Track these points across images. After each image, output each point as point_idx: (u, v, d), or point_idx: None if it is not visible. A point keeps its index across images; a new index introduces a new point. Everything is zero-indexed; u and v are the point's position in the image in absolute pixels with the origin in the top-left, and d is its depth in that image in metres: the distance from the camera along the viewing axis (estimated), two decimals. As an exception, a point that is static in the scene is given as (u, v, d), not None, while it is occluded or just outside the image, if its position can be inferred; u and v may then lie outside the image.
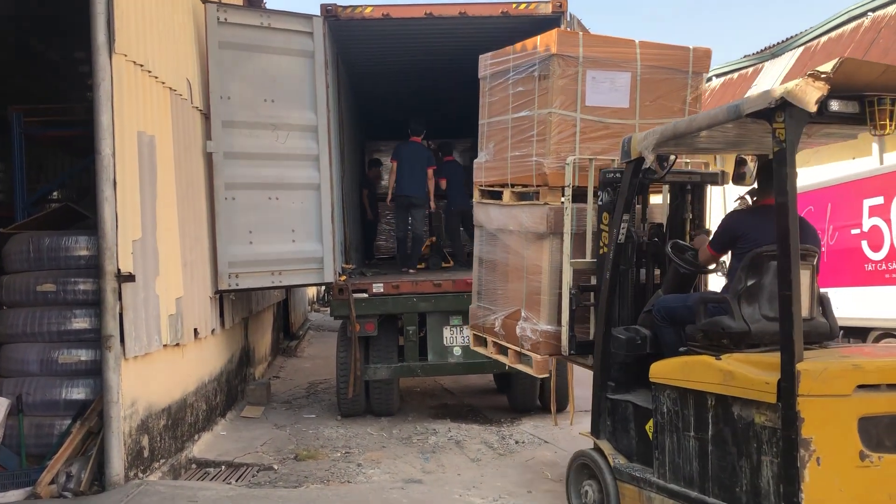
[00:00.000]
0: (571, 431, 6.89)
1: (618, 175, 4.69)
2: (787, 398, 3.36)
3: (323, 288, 16.42)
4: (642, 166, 4.47)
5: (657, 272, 5.12)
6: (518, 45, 5.54)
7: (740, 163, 4.19)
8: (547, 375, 5.44)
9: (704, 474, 3.83)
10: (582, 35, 5.26)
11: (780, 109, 3.37)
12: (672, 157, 4.59)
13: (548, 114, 5.14)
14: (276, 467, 6.23)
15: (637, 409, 4.44)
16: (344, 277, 7.78)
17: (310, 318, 17.06)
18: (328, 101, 7.68)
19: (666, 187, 5.28)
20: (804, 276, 3.80)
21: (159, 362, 5.90)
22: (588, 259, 5.05)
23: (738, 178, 4.23)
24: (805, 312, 3.83)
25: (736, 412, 3.64)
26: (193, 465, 6.30)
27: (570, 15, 8.03)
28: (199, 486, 5.63)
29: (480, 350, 6.16)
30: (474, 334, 6.18)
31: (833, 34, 14.46)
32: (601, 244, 4.79)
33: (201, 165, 7.13)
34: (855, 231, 8.70)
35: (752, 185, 4.31)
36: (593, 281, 5.03)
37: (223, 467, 6.28)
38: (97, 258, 5.21)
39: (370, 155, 13.89)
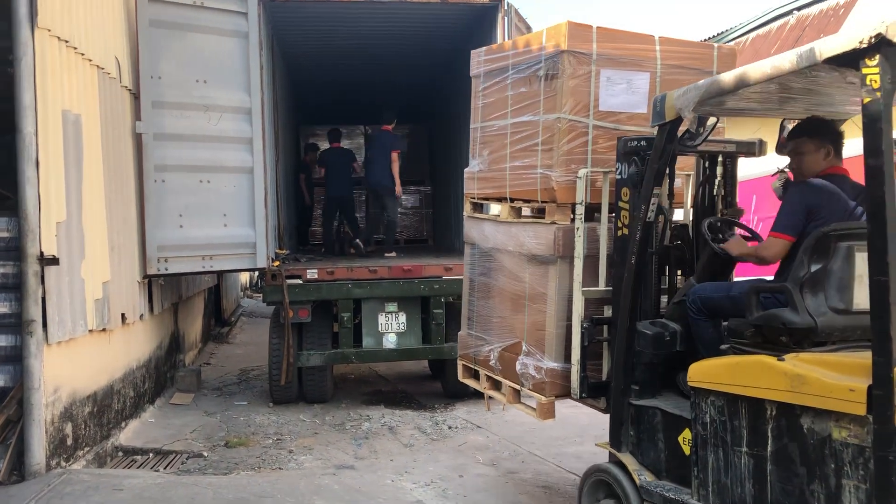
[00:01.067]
0: (504, 416, 6.98)
1: (642, 143, 4.00)
2: (881, 410, 2.68)
3: (256, 274, 16.20)
4: (678, 129, 3.77)
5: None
6: (520, 40, 4.92)
7: (785, 129, 3.72)
8: (552, 419, 4.64)
9: (761, 498, 3.16)
10: (596, 29, 4.52)
11: (874, 51, 2.69)
12: (712, 120, 3.81)
13: (556, 119, 4.47)
14: (205, 454, 6.14)
15: (668, 416, 3.78)
16: (277, 263, 7.69)
17: (242, 305, 16.82)
18: (262, 83, 7.55)
19: (691, 160, 4.66)
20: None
21: (84, 348, 5.74)
22: (602, 287, 4.36)
23: (783, 147, 3.76)
24: (857, 302, 3.33)
25: (806, 424, 2.97)
26: (120, 453, 6.17)
27: (508, 4, 8.07)
28: (125, 473, 5.51)
29: (470, 383, 5.46)
30: (464, 365, 5.45)
31: (760, 31, 14.87)
32: (619, 225, 4.10)
33: (130, 146, 6.94)
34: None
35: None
36: (606, 312, 4.34)
37: (151, 455, 6.16)
38: (18, 240, 5.03)
39: (306, 139, 13.75)
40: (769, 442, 3.12)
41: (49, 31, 5.11)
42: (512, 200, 4.96)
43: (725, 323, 3.81)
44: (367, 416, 7.37)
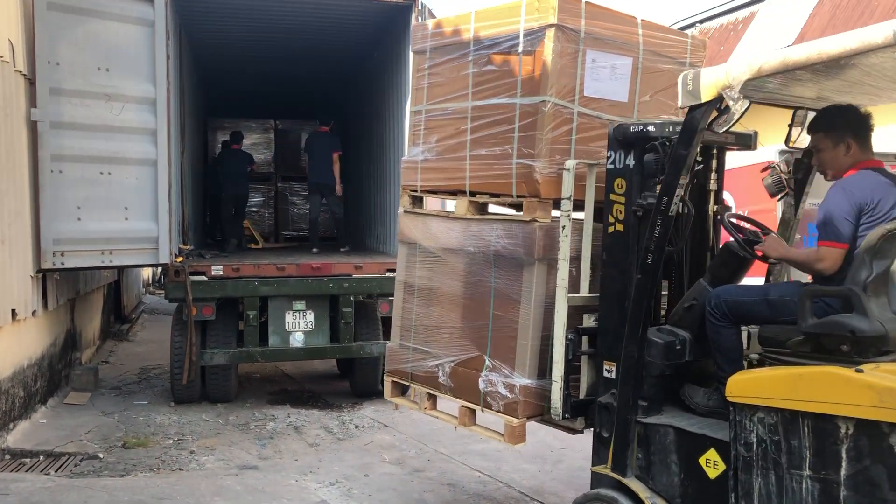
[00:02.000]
0: (412, 415, 7.00)
1: (649, 129, 3.54)
2: None
3: (159, 269, 15.73)
4: (720, 112, 3.23)
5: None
6: (484, 12, 4.29)
7: (797, 119, 3.52)
8: (523, 444, 4.10)
9: None
10: (584, 3, 4.04)
11: None
12: (743, 104, 3.16)
13: (541, 102, 3.94)
14: (101, 456, 5.93)
15: (685, 436, 3.35)
16: (181, 259, 7.49)
17: (144, 301, 16.28)
18: (168, 73, 7.33)
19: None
20: None
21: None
22: (586, 293, 3.94)
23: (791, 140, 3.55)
24: None
25: None
26: (7, 456, 5.88)
27: (423, 4, 8.09)
28: (12, 477, 5.26)
29: (400, 402, 4.86)
30: (393, 381, 4.78)
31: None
32: (611, 220, 3.68)
33: (24, 135, 6.62)
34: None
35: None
36: (587, 322, 3.88)
37: (41, 457, 5.90)
38: None
39: (214, 132, 13.47)
40: (844, 464, 2.77)
41: (-64, 9, 4.84)
42: (473, 194, 4.34)
43: (748, 329, 3.55)
44: (273, 416, 7.26)
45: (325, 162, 10.04)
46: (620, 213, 3.64)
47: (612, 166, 3.69)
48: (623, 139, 3.63)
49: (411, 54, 4.82)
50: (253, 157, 11.80)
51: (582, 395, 3.85)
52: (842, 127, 3.33)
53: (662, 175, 3.42)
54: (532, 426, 4.12)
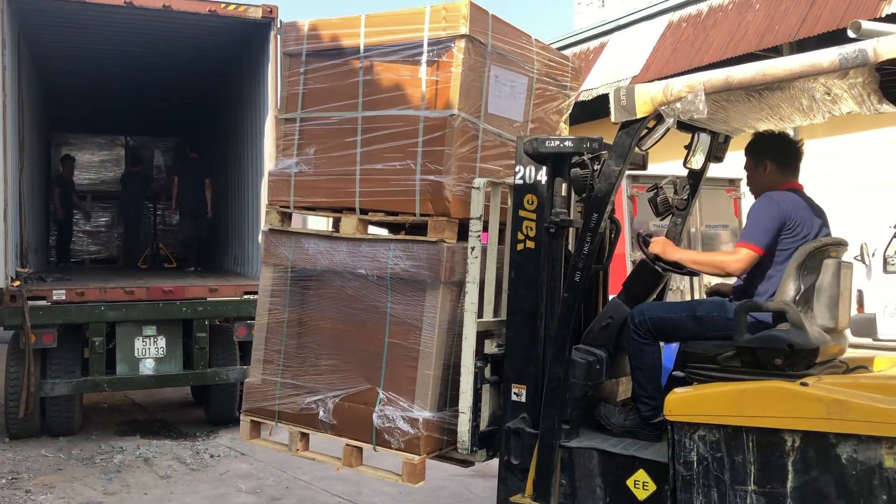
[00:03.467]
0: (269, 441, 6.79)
1: (566, 144, 3.46)
2: None
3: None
4: (654, 128, 3.32)
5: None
6: (375, 16, 4.02)
7: (695, 143, 3.58)
8: (422, 483, 3.83)
9: None
10: (491, 17, 3.92)
11: None
12: (669, 121, 3.29)
13: (450, 116, 3.75)
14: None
15: (610, 458, 3.29)
16: (17, 283, 6.98)
17: (-23, 328, 15.07)
18: (5, 84, 6.85)
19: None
20: (846, 276, 3.26)
21: None
22: (491, 318, 3.76)
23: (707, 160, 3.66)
24: (844, 321, 3.28)
25: (846, 454, 2.72)
26: None
27: (281, 22, 7.98)
28: None
29: (262, 444, 4.39)
30: (253, 421, 4.29)
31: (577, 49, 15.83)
32: (520, 238, 3.56)
33: None
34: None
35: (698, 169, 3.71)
36: (489, 348, 3.71)
37: None
38: None
39: (58, 147, 12.74)
40: (790, 476, 2.81)
41: None
42: (364, 212, 4.03)
43: (664, 345, 3.56)
44: (121, 448, 6.86)
45: (197, 187, 10.31)
46: (531, 229, 3.54)
47: (521, 182, 3.59)
48: (535, 154, 3.53)
49: (280, 58, 4.46)
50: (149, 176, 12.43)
51: (484, 425, 3.68)
52: (762, 150, 3.50)
53: (590, 191, 3.41)
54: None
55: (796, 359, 3.00)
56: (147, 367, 7.22)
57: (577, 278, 3.39)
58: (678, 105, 3.12)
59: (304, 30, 4.26)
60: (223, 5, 7.71)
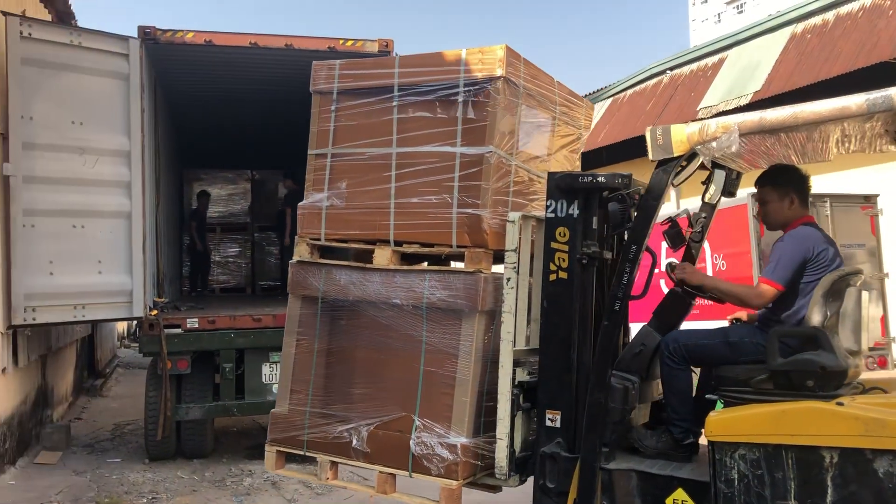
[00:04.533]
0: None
1: (599, 180, 3.63)
2: None
3: (134, 323, 15.53)
4: (686, 165, 3.54)
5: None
6: (409, 58, 4.27)
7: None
8: None
9: None
10: (523, 60, 4.18)
11: None
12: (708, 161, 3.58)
13: (487, 153, 3.94)
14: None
15: (649, 479, 3.44)
16: (155, 312, 7.38)
17: (118, 355, 16.04)
18: (143, 125, 7.32)
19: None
20: (865, 303, 3.48)
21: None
22: (523, 347, 3.87)
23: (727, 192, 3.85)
24: (864, 345, 3.49)
25: (882, 469, 2.91)
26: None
27: (397, 54, 8.17)
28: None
29: (289, 473, 4.57)
30: (278, 451, 4.34)
31: (637, 88, 15.68)
32: (552, 268, 3.70)
33: (-3, 190, 6.56)
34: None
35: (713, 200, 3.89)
36: (521, 376, 3.82)
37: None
38: None
39: (190, 183, 13.48)
40: (829, 491, 2.99)
41: None
42: (398, 244, 4.18)
43: (692, 370, 3.69)
44: (250, 471, 7.10)
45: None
46: (563, 261, 3.67)
47: (552, 215, 3.73)
48: (568, 188, 3.69)
49: (313, 98, 4.52)
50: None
51: (517, 451, 3.79)
52: (787, 183, 3.66)
53: (626, 224, 3.56)
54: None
55: (826, 380, 3.22)
56: (275, 392, 7.45)
57: (616, 307, 3.54)
58: (713, 144, 3.33)
59: (335, 69, 4.43)
60: (341, 41, 7.98)
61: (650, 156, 3.47)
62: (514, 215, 3.83)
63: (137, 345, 12.35)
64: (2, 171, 6.62)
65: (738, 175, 3.92)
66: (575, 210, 3.68)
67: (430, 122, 4.13)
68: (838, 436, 2.99)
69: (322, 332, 4.27)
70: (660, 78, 15.04)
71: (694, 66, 14.34)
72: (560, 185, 3.71)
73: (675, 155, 3.45)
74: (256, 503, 6.19)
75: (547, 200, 3.75)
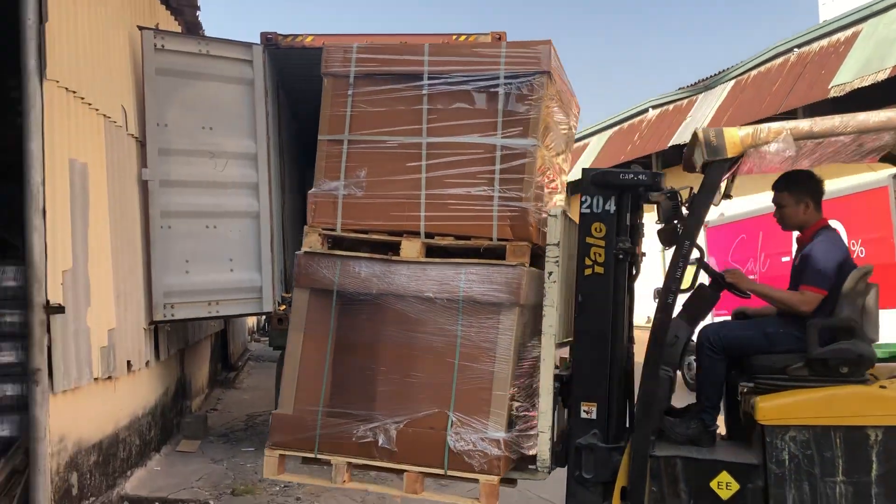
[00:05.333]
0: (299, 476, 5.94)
1: (640, 178, 3.77)
2: None
3: (263, 318, 16.19)
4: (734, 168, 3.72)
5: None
6: (441, 47, 4.24)
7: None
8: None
9: None
10: (558, 56, 4.20)
11: None
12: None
13: (531, 147, 3.93)
14: (211, 503, 6.07)
15: (694, 464, 3.66)
16: (283, 307, 7.67)
17: (249, 349, 16.77)
18: (268, 129, 7.62)
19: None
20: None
21: (90, 396, 5.71)
22: (563, 338, 3.98)
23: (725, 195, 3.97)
24: (878, 336, 3.81)
25: None
26: (126, 503, 6.10)
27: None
28: (131, 524, 5.45)
29: (294, 478, 4.42)
30: (281, 455, 4.04)
31: (762, 68, 15.00)
32: (587, 263, 3.80)
33: (136, 193, 6.98)
34: (785, 259, 8.95)
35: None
36: (543, 369, 3.87)
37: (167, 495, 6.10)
38: (25, 289, 5.04)
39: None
40: (874, 466, 3.37)
41: (57, 82, 5.18)
42: (430, 236, 4.03)
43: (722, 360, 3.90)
44: (376, 461, 7.26)
45: None
46: (599, 256, 3.77)
47: (588, 211, 3.83)
48: (606, 184, 3.80)
49: (324, 80, 4.34)
50: None
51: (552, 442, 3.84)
52: (804, 188, 3.96)
53: (673, 221, 3.75)
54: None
55: (859, 367, 3.58)
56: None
57: (669, 300, 3.68)
58: (770, 147, 3.52)
59: (352, 52, 4.23)
60: (454, 37, 8.01)
61: (703, 156, 3.62)
62: (555, 210, 3.90)
63: (267, 339, 12.82)
64: (141, 176, 7.04)
65: (734, 177, 3.99)
66: (611, 206, 3.79)
67: (466, 112, 4.05)
68: (883, 415, 3.38)
69: (340, 327, 4.03)
70: (786, 56, 14.33)
71: (824, 41, 13.59)
72: (597, 182, 3.81)
73: (728, 156, 3.59)
74: (384, 494, 6.32)
75: (582, 196, 3.85)
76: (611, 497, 3.73)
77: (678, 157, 6.23)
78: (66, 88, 5.35)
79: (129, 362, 6.52)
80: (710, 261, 4.19)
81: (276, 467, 4.05)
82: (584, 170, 3.93)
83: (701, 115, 16.34)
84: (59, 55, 5.20)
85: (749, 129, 3.58)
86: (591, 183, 3.82)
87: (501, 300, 3.85)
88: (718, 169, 3.62)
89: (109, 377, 6.06)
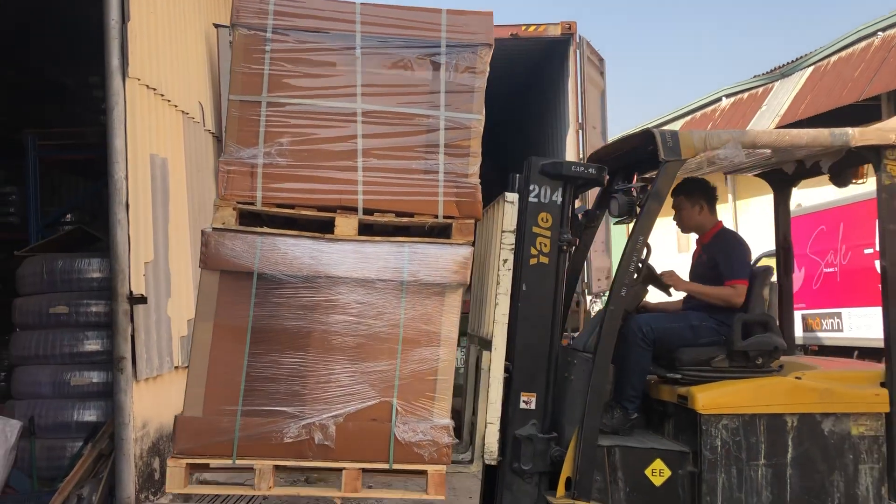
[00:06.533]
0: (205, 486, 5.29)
1: (590, 171, 3.87)
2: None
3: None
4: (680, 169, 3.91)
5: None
6: (376, 6, 3.78)
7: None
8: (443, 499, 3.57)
9: (779, 501, 3.74)
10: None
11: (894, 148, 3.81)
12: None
13: (476, 121, 3.71)
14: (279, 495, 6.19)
15: (631, 452, 3.80)
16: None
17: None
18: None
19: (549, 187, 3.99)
20: None
21: (171, 384, 5.90)
22: (474, 329, 3.97)
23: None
24: None
25: (827, 428, 3.75)
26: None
27: (580, 37, 8.07)
28: None
29: (198, 490, 4.06)
30: (188, 464, 3.54)
31: (843, 53, 14.48)
32: (533, 253, 3.79)
33: (213, 187, 7.16)
34: (868, 251, 8.64)
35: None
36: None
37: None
38: (110, 280, 5.24)
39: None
40: (789, 449, 3.73)
41: (139, 79, 5.37)
42: (368, 212, 3.65)
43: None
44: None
45: None
46: (545, 246, 3.80)
47: (535, 200, 3.81)
48: (556, 175, 3.81)
49: (232, 31, 3.83)
50: None
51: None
52: (699, 193, 4.31)
53: (626, 216, 3.86)
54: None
55: (772, 358, 3.96)
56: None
57: (623, 293, 3.80)
58: (720, 152, 3.79)
59: (268, 2, 3.72)
60: (524, 27, 8.00)
61: (661, 155, 3.75)
62: (512, 195, 3.82)
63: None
64: (217, 170, 7.21)
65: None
66: (558, 197, 3.81)
67: (405, 78, 3.71)
68: (799, 404, 3.75)
69: (260, 315, 3.55)
70: (870, 41, 13.78)
71: (911, 24, 13.02)
72: (546, 172, 3.81)
73: (683, 158, 3.77)
74: (453, 484, 6.35)
75: (529, 185, 3.81)
76: (545, 488, 3.77)
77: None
78: (147, 86, 5.53)
79: (207, 351, 6.70)
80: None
81: (182, 479, 3.55)
82: (532, 158, 3.87)
83: (777, 104, 15.88)
84: (139, 53, 5.38)
85: (702, 134, 3.84)
86: (541, 173, 3.82)
87: (448, 280, 3.57)
88: (672, 168, 3.79)
89: (188, 366, 6.25)
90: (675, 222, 4.44)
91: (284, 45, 3.68)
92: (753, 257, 5.44)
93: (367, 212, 3.63)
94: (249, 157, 3.62)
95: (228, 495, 6.13)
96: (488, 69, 3.73)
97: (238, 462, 3.53)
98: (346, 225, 3.60)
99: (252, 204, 3.61)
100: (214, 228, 3.57)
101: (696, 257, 4.44)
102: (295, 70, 3.68)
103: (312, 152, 3.64)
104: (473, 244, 3.67)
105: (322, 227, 3.63)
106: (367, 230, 3.64)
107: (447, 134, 3.68)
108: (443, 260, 3.59)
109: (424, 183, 3.65)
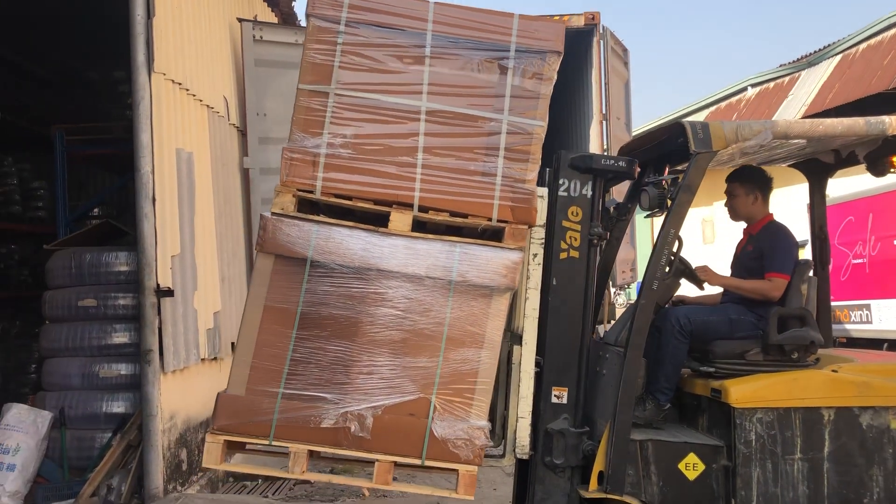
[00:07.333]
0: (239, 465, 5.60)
1: (620, 164, 3.85)
2: None
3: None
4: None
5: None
6: (450, 6, 3.79)
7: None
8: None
9: (816, 495, 3.71)
10: None
11: None
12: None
13: (539, 128, 3.71)
14: (312, 481, 6.24)
15: (665, 446, 3.79)
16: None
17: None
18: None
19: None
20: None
21: (197, 376, 5.96)
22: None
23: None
24: None
25: (865, 422, 3.72)
26: (231, 479, 6.35)
27: (604, 27, 8.01)
28: (237, 499, 5.68)
29: (235, 468, 4.08)
30: (226, 441, 3.55)
31: (872, 41, 14.25)
32: (563, 247, 3.82)
33: (238, 181, 7.22)
34: (897, 241, 8.52)
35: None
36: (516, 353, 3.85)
37: (260, 480, 6.32)
38: (137, 273, 5.30)
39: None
40: (827, 444, 3.70)
41: (164, 74, 5.41)
42: (423, 210, 3.65)
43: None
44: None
45: None
46: (575, 240, 3.81)
47: (565, 194, 3.83)
48: (586, 168, 3.81)
49: (307, 21, 3.85)
50: None
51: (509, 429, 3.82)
52: (754, 182, 4.23)
53: (657, 209, 3.82)
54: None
55: (809, 352, 3.90)
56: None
57: (654, 287, 3.74)
58: (751, 142, 3.73)
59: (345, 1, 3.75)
60: (546, 18, 7.93)
61: (691, 147, 3.71)
62: (542, 191, 3.78)
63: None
64: (242, 165, 7.27)
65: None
66: (588, 190, 3.82)
67: (471, 80, 3.72)
68: (836, 397, 3.72)
69: (310, 301, 3.59)
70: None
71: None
72: (576, 165, 3.82)
73: (715, 149, 3.73)
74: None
75: (559, 179, 3.83)
76: (577, 482, 3.79)
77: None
78: (173, 81, 5.58)
79: (233, 344, 6.76)
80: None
81: (219, 455, 3.58)
82: (562, 152, 3.86)
83: (804, 93, 15.68)
84: (165, 49, 5.42)
85: (733, 125, 3.77)
86: (571, 166, 3.82)
87: (496, 284, 3.58)
88: (704, 160, 3.73)
89: (215, 358, 6.31)
90: (725, 208, 4.36)
91: (356, 39, 3.72)
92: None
93: (422, 209, 3.65)
94: (313, 147, 3.69)
95: (255, 485, 6.19)
96: (555, 77, 3.73)
97: (274, 443, 3.56)
98: (400, 220, 3.63)
99: (311, 192, 3.67)
100: (273, 213, 3.65)
101: (742, 247, 4.36)
102: (364, 64, 3.73)
103: (374, 146, 3.68)
104: (522, 249, 3.65)
105: (376, 221, 3.65)
106: (420, 227, 3.67)
107: (508, 138, 3.69)
108: (493, 263, 3.59)
109: (481, 185, 3.66)
